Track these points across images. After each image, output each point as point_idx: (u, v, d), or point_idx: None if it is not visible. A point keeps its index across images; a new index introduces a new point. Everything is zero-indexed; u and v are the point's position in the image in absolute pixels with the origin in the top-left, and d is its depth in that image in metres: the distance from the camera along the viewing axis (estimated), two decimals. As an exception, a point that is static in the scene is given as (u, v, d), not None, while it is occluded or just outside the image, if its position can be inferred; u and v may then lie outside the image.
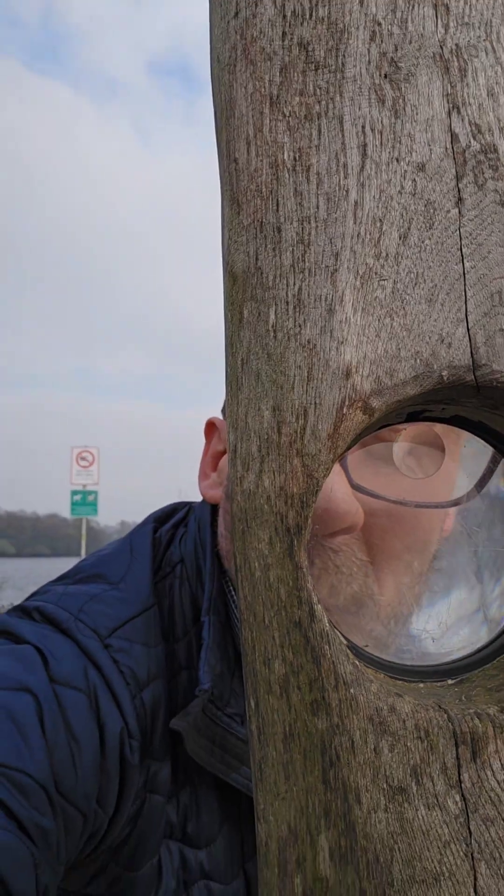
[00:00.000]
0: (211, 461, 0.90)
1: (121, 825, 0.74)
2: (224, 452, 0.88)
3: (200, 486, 0.89)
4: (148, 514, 1.00)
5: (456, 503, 0.57)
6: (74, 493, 14.02)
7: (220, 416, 0.89)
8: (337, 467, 0.54)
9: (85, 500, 14.02)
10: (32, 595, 0.87)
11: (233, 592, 0.84)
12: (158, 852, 0.78)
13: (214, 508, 0.90)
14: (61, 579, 0.89)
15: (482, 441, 0.46)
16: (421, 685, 0.43)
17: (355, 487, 0.55)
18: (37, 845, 0.60)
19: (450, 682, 0.44)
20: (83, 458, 14.04)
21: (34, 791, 0.63)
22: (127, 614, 0.81)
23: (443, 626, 0.48)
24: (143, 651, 0.79)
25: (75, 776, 0.67)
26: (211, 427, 0.91)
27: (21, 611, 0.82)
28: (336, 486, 0.53)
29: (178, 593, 0.86)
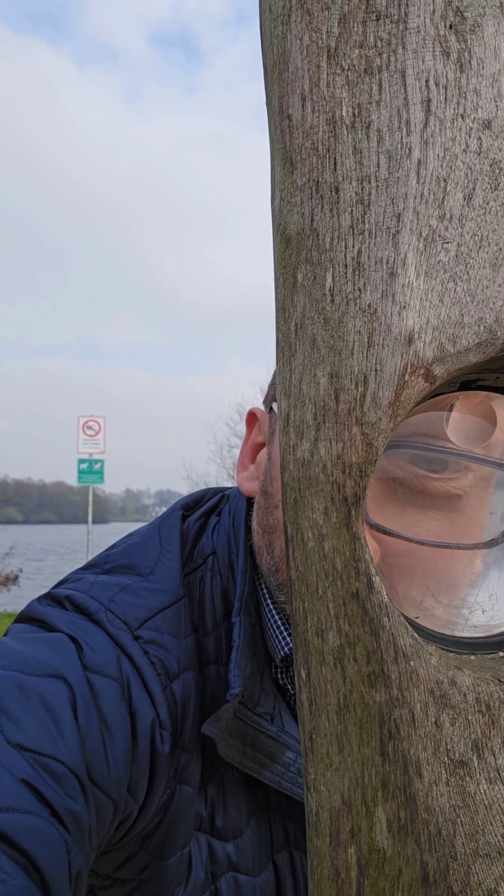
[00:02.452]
0: (250, 452, 0.88)
1: (151, 814, 0.74)
2: (263, 445, 0.87)
3: (238, 477, 0.88)
4: (175, 501, 0.99)
5: (481, 546, 0.55)
6: (81, 461, 14.01)
7: (262, 408, 0.87)
8: None
9: (91, 469, 14.01)
10: (61, 582, 0.87)
11: (265, 590, 0.83)
12: (188, 843, 0.78)
13: (250, 501, 0.89)
14: (90, 567, 0.88)
15: None
16: (472, 657, 0.42)
17: (372, 525, 0.53)
18: (69, 831, 0.61)
19: (501, 654, 0.43)
20: (89, 427, 14.00)
21: (67, 778, 0.63)
22: (157, 605, 0.80)
23: (493, 598, 0.48)
24: (174, 642, 0.79)
25: (107, 764, 0.67)
26: (252, 418, 0.89)
27: (51, 599, 0.81)
28: None
29: (210, 586, 0.85)
